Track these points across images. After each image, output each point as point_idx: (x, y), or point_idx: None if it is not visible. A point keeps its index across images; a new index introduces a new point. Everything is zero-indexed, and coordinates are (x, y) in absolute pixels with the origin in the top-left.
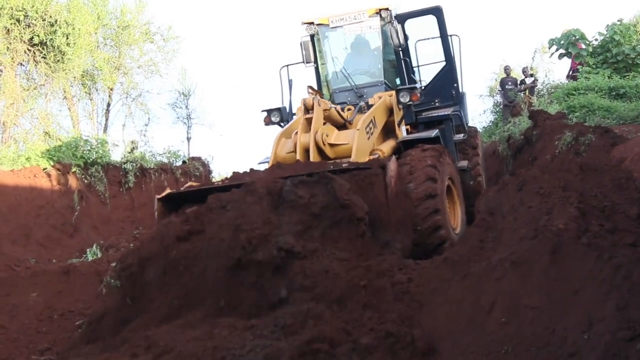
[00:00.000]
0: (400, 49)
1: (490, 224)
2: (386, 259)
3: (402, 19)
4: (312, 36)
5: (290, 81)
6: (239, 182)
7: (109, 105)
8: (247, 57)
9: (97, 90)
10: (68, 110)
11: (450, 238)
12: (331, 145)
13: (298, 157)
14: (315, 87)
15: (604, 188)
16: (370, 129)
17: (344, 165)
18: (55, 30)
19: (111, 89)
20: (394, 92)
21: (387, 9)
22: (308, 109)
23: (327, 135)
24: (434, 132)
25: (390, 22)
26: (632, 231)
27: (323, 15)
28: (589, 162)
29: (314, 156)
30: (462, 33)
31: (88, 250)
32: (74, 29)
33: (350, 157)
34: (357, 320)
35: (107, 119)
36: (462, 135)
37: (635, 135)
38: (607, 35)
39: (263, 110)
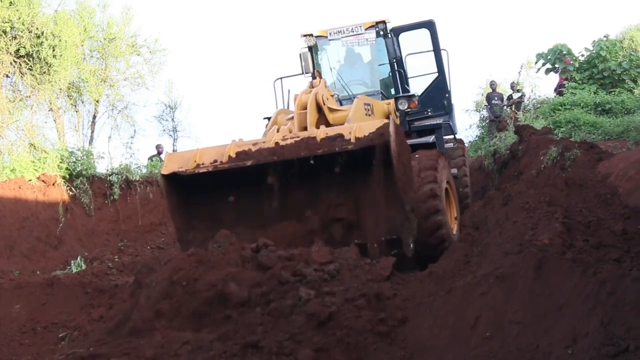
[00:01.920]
0: (395, 60)
1: (475, 239)
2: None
3: (397, 32)
4: (310, 47)
5: (288, 91)
6: (244, 163)
7: (94, 117)
8: (233, 70)
9: (83, 102)
10: (54, 122)
11: (449, 234)
12: (330, 109)
13: (295, 112)
14: None
15: (589, 203)
16: (368, 110)
17: (349, 147)
18: (42, 42)
19: (97, 101)
20: (391, 101)
21: (383, 22)
22: (314, 86)
23: (327, 99)
24: (431, 138)
25: (386, 34)
26: (617, 247)
27: (322, 28)
28: (575, 178)
29: (311, 112)
30: (449, 48)
31: (72, 262)
32: (60, 41)
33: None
34: None
35: (92, 131)
36: (452, 144)
37: (621, 151)
38: (594, 51)
39: (265, 118)
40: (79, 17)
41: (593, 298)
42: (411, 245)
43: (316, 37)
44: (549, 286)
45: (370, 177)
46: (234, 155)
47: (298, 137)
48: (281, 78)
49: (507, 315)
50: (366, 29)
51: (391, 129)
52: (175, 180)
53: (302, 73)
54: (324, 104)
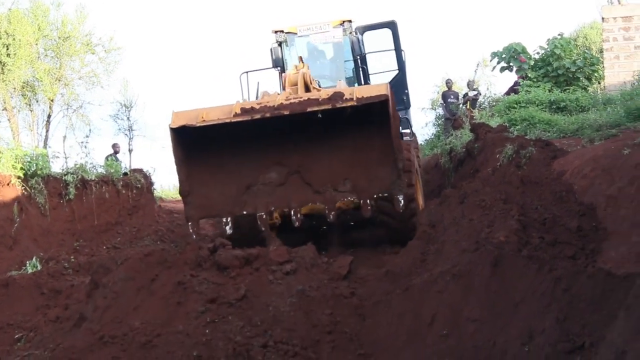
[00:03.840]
0: (359, 57)
1: (432, 237)
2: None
3: (361, 30)
4: (280, 43)
5: (257, 84)
6: (252, 116)
7: (49, 116)
8: (189, 68)
9: (37, 101)
10: (8, 121)
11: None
12: (315, 88)
13: (287, 89)
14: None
15: (544, 201)
16: None
17: (352, 103)
18: None
19: (52, 100)
20: None
21: (349, 21)
22: (299, 69)
23: (313, 80)
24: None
25: (351, 33)
26: (572, 244)
27: (292, 25)
28: (530, 175)
29: (301, 89)
30: (406, 46)
31: (27, 262)
32: (14, 39)
33: None
34: None
35: (47, 131)
36: (409, 137)
37: (576, 149)
38: (548, 49)
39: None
40: (33, 15)
41: (549, 295)
42: (402, 202)
43: (286, 33)
44: (505, 283)
45: (365, 137)
46: (239, 112)
47: (301, 97)
48: (247, 72)
49: (464, 312)
50: (333, 27)
51: (388, 90)
52: (181, 135)
53: (273, 67)
54: (311, 83)
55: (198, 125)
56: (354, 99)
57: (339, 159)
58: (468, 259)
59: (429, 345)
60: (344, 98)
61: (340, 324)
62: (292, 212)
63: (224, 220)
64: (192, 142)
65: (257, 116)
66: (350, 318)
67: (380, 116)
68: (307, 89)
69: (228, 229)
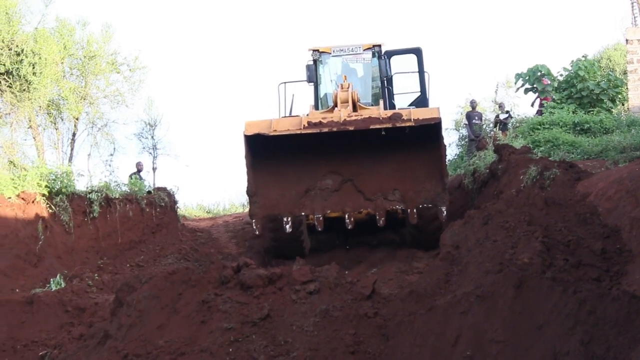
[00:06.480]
0: (385, 79)
1: (455, 258)
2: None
3: (389, 54)
4: (315, 60)
5: (292, 95)
6: (320, 129)
7: (74, 134)
8: (213, 87)
9: (62, 119)
10: (33, 139)
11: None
12: (360, 107)
13: (338, 106)
14: (313, 104)
15: (568, 222)
16: None
17: (411, 124)
18: (22, 59)
19: (77, 119)
20: None
21: (379, 45)
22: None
23: (359, 99)
24: None
25: (380, 56)
26: (596, 266)
27: (326, 45)
28: (554, 197)
29: (351, 108)
30: (430, 65)
31: (52, 280)
32: (40, 58)
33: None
34: None
35: (72, 149)
36: None
37: (600, 170)
38: (572, 71)
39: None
40: (58, 34)
41: (573, 317)
42: (444, 213)
43: (321, 52)
44: (529, 305)
45: (415, 153)
46: (307, 125)
47: (361, 115)
48: (285, 83)
49: (488, 334)
50: (364, 50)
51: (440, 113)
52: (252, 142)
53: (307, 81)
54: (358, 101)
55: (271, 134)
56: (412, 120)
57: (389, 171)
58: (492, 280)
59: None
60: (403, 118)
61: (364, 343)
62: (347, 216)
63: (285, 219)
64: (260, 148)
65: (325, 130)
66: (373, 338)
67: (433, 136)
68: (354, 106)
69: (288, 228)
